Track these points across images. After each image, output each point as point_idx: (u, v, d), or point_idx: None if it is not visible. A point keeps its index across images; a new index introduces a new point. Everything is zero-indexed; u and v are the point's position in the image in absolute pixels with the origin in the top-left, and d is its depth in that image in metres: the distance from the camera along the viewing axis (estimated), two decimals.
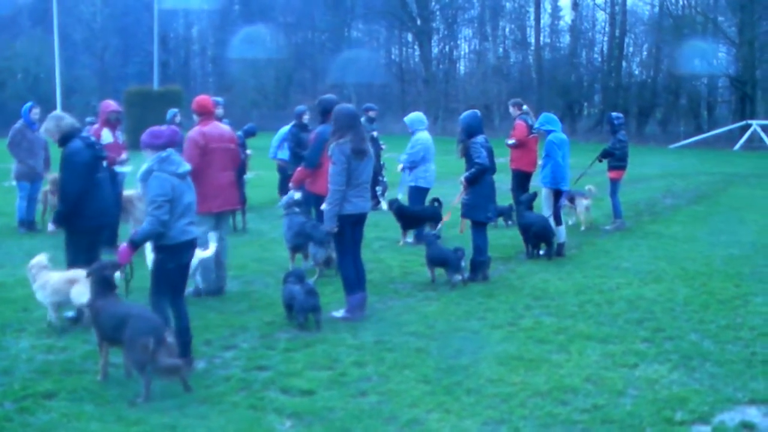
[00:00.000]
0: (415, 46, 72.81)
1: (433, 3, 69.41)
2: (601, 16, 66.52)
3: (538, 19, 66.22)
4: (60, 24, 48.93)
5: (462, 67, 75.45)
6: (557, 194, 14.27)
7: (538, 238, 13.85)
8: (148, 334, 7.20)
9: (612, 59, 62.79)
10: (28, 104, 16.76)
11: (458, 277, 11.67)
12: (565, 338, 9.17)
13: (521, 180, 16.54)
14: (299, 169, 12.48)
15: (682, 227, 17.51)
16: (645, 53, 64.59)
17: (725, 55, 56.11)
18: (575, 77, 63.94)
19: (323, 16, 69.77)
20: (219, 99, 14.63)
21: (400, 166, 15.77)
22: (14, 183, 16.88)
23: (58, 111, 10.41)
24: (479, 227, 12.38)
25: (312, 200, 12.57)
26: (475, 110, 12.99)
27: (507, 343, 9.02)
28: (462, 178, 12.29)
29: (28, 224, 16.27)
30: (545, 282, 12.00)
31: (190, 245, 8.36)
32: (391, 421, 6.86)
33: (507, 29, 72.38)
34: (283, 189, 16.41)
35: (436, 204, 15.06)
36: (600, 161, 17.22)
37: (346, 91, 65.90)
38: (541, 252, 13.95)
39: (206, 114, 11.12)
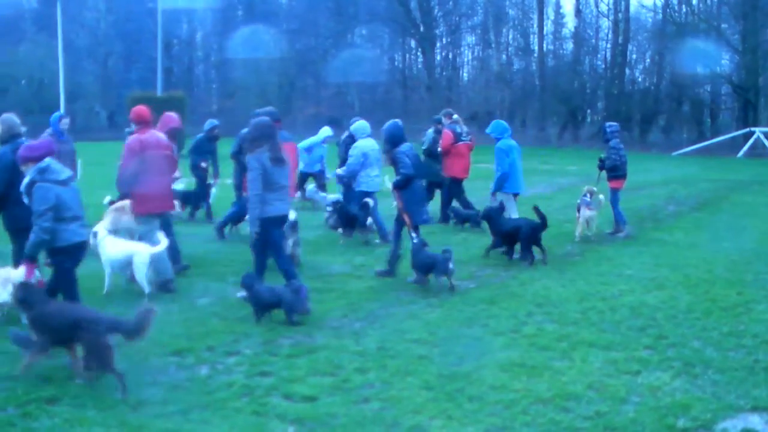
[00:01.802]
0: (419, 53, 72.93)
1: (437, 10, 69.49)
2: (605, 23, 66.54)
3: (541, 26, 66.27)
4: (64, 30, 49.03)
5: (465, 73, 75.65)
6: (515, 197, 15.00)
7: (529, 241, 14.01)
8: (105, 332, 7.58)
9: (615, 66, 62.82)
10: (58, 114, 16.17)
11: (445, 279, 11.85)
12: (567, 345, 9.17)
13: (455, 186, 17.94)
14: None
15: (684, 234, 17.50)
16: (648, 60, 64.63)
17: (728, 62, 56.10)
18: (578, 84, 63.91)
19: (327, 23, 69.85)
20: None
21: (338, 173, 16.68)
22: None
23: (6, 114, 10.85)
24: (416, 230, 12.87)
25: None
26: (396, 120, 13.44)
27: (509, 350, 9.03)
28: (390, 184, 13.15)
29: None
30: (547, 289, 12.00)
31: (83, 246, 9.06)
32: (393, 428, 6.86)
33: (510, 36, 72.48)
34: None
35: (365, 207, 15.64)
36: (601, 171, 17.35)
37: (350, 97, 66.01)
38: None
39: (143, 123, 12.00)
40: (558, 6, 69.17)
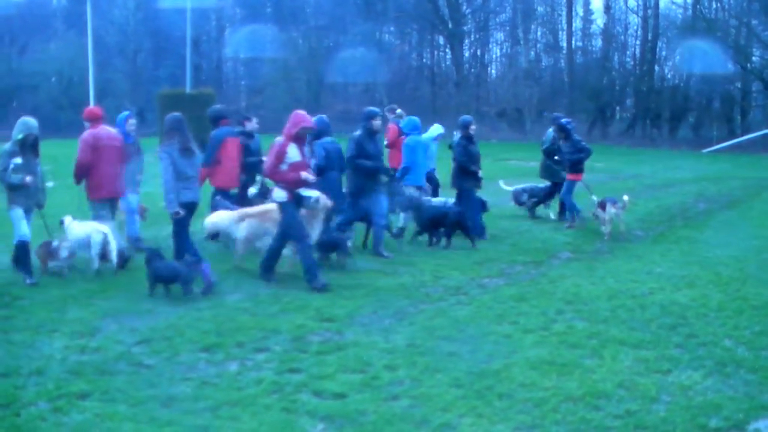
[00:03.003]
0: (447, 50, 72.79)
1: (465, 6, 69.34)
2: (634, 19, 66.19)
3: (570, 23, 65.98)
4: (93, 27, 49.21)
5: (493, 70, 75.34)
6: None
7: (458, 226, 15.04)
8: None
9: (644, 63, 62.45)
10: (125, 113, 14.91)
11: (345, 258, 13.32)
12: (597, 343, 9.13)
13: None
14: (202, 168, 13.98)
15: (715, 232, 17.40)
16: (677, 57, 64.17)
17: (759, 58, 55.66)
18: (607, 81, 63.56)
19: (355, 19, 69.82)
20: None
21: None
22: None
23: None
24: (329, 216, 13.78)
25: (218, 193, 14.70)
26: (323, 116, 14.71)
27: (539, 347, 9.00)
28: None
29: (134, 240, 14.41)
30: (577, 286, 11.95)
31: None
32: (422, 425, 6.85)
33: (539, 33, 72.24)
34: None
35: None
36: (556, 164, 18.24)
37: (378, 94, 65.88)
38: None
39: (95, 120, 13.32)
40: (587, 2, 68.86)
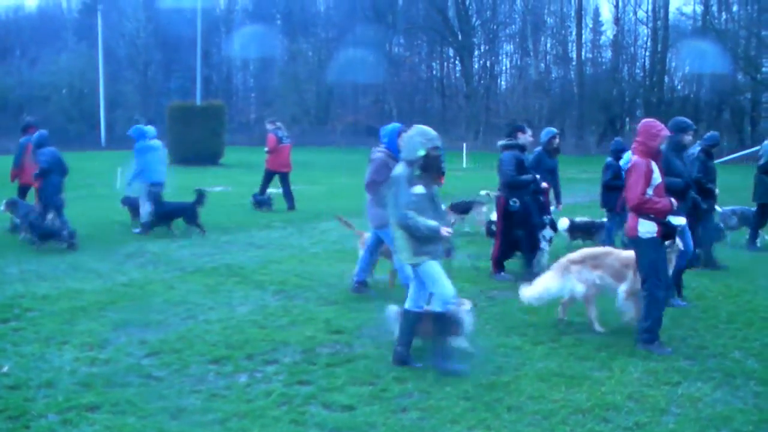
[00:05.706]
0: (457, 61, 72.91)
1: (475, 18, 69.51)
2: (643, 30, 66.26)
3: (579, 35, 66.05)
4: (104, 39, 49.48)
5: (503, 82, 75.52)
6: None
7: (191, 219, 18.02)
8: None
9: (654, 74, 62.45)
10: (396, 125, 11.68)
11: (64, 244, 15.62)
12: (606, 355, 9.11)
13: (270, 177, 23.06)
14: (12, 169, 18.12)
15: (724, 243, 17.33)
16: (687, 68, 64.19)
17: None
18: (617, 92, 63.63)
19: (365, 31, 70.02)
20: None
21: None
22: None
23: None
24: (59, 211, 16.41)
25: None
26: (43, 131, 17.17)
27: (548, 359, 8.98)
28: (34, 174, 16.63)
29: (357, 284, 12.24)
30: None
31: None
32: None
33: (548, 44, 72.38)
34: None
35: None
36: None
37: (387, 105, 65.98)
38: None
39: None
40: (596, 14, 69.01)
